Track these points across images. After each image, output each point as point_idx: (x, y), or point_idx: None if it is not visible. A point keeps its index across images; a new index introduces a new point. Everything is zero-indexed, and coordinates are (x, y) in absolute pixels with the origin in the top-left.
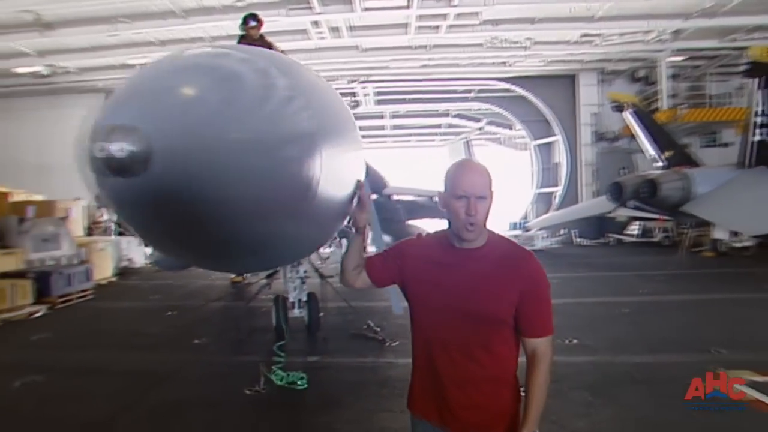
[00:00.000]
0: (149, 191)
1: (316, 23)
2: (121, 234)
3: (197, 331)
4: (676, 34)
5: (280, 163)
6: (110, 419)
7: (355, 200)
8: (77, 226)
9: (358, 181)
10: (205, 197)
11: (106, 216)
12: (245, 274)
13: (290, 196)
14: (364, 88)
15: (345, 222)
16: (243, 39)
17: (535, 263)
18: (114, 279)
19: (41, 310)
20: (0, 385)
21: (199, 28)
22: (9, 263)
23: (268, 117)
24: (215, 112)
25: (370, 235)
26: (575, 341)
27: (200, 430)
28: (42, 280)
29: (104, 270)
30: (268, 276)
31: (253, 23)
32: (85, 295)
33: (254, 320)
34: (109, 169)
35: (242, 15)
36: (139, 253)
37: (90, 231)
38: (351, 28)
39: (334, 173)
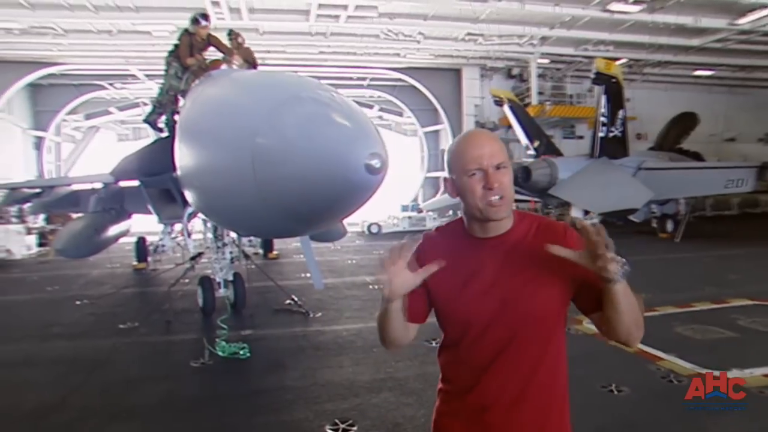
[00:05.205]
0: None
1: (216, 3)
2: None
3: (119, 316)
4: (543, 39)
5: None
6: (62, 401)
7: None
8: None
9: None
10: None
11: None
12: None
13: None
14: None
15: None
16: (187, 33)
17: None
18: None
19: None
20: None
21: None
22: None
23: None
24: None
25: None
26: None
27: (161, 399)
28: None
29: None
30: (192, 258)
31: (204, 23)
32: None
33: (176, 303)
34: (371, 172)
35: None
36: (18, 243)
37: None
38: (251, 11)
39: None
